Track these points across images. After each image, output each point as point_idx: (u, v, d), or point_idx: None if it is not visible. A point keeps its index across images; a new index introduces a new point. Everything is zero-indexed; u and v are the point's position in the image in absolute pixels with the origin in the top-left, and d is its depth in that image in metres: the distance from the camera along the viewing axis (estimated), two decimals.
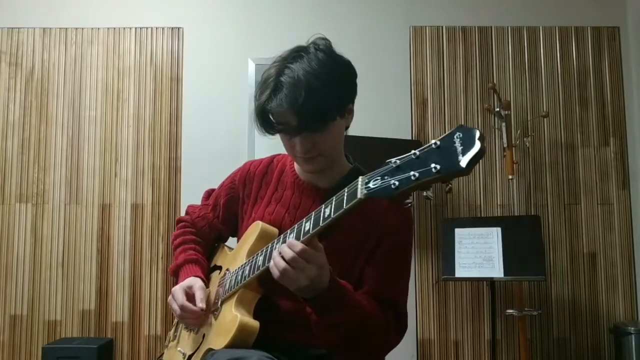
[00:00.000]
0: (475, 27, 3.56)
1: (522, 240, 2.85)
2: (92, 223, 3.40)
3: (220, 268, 1.56)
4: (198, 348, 1.41)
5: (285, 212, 1.44)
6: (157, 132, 3.48)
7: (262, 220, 1.44)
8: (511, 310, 3.04)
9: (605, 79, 3.52)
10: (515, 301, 3.11)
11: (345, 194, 1.10)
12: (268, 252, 1.28)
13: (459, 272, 2.85)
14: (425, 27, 3.57)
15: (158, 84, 3.51)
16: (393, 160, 1.03)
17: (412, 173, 0.98)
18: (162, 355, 1.69)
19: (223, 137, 3.39)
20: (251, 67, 3.46)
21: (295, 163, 1.50)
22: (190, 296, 1.42)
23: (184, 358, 1.46)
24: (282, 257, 1.17)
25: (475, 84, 3.51)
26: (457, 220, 3.26)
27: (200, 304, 1.40)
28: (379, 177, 1.04)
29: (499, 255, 2.82)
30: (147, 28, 3.55)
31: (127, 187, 3.43)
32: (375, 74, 3.48)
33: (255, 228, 1.42)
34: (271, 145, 1.62)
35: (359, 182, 1.08)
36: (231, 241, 1.66)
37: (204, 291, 1.44)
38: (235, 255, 1.47)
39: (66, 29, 3.54)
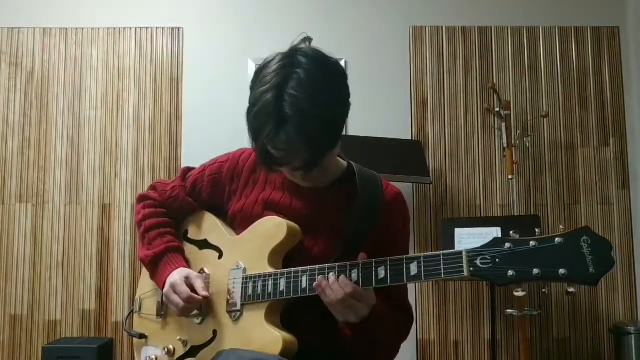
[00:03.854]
0: (475, 27, 3.56)
1: None
2: (92, 223, 3.40)
3: (214, 247, 1.46)
4: (208, 344, 1.37)
5: (276, 215, 1.40)
6: (157, 132, 3.48)
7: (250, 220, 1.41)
8: (511, 310, 3.04)
9: (605, 79, 3.52)
10: (515, 301, 3.10)
11: (445, 262, 1.09)
12: (313, 275, 1.26)
13: None
14: (425, 27, 3.57)
15: (158, 84, 3.51)
16: (505, 243, 1.00)
17: (534, 270, 0.96)
18: (130, 313, 1.60)
19: (223, 137, 3.38)
20: (251, 67, 3.46)
21: None
22: (189, 287, 1.38)
23: (184, 346, 1.41)
24: (333, 290, 1.20)
25: (475, 84, 3.51)
26: (457, 220, 3.26)
27: (203, 292, 1.37)
28: (489, 258, 1.02)
29: None
30: (147, 28, 3.55)
31: (127, 187, 3.43)
32: (375, 74, 3.48)
33: (280, 227, 1.34)
34: None
35: (464, 257, 1.06)
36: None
37: (202, 280, 1.40)
38: (247, 247, 1.39)
39: (66, 29, 3.54)
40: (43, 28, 3.54)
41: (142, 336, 1.53)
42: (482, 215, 3.38)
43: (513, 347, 3.32)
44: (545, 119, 3.45)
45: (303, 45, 1.30)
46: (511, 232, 1.03)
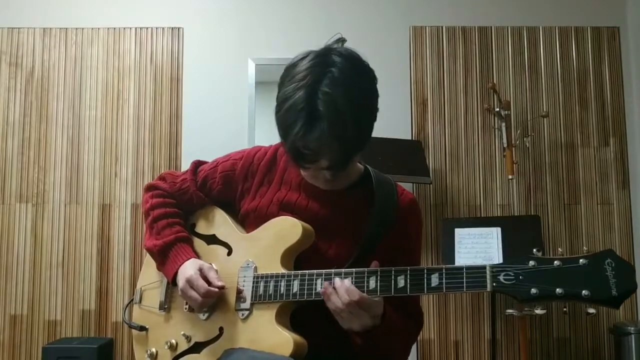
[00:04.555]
0: (475, 27, 3.56)
1: (522, 240, 2.85)
2: (92, 223, 3.40)
3: (223, 243, 1.45)
4: (214, 341, 1.35)
5: (291, 216, 1.39)
6: (157, 132, 3.48)
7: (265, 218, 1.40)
8: (511, 310, 3.04)
9: (605, 79, 3.52)
10: (515, 301, 3.10)
11: (468, 275, 1.09)
12: (329, 278, 1.25)
13: None
14: (425, 27, 3.57)
15: (158, 84, 3.51)
16: (529, 261, 1.02)
17: (557, 289, 0.98)
18: (129, 302, 1.57)
19: (223, 137, 3.39)
20: (251, 67, 3.45)
21: None
22: (204, 280, 1.35)
23: (188, 341, 1.39)
24: (339, 296, 1.19)
25: (475, 84, 3.51)
26: (457, 220, 3.26)
27: (219, 282, 1.34)
28: (512, 274, 1.03)
29: (499, 255, 2.82)
30: (147, 28, 3.55)
31: (127, 187, 3.43)
32: (375, 74, 3.47)
33: (295, 228, 1.33)
34: (272, 143, 1.57)
35: (488, 272, 1.06)
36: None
37: (215, 271, 1.38)
38: (259, 245, 1.38)
39: (66, 29, 3.54)
40: (43, 28, 3.54)
41: (142, 328, 1.49)
42: (482, 215, 3.38)
43: (513, 347, 3.32)
44: (545, 119, 3.45)
45: (337, 46, 1.31)
46: (534, 250, 1.05)
